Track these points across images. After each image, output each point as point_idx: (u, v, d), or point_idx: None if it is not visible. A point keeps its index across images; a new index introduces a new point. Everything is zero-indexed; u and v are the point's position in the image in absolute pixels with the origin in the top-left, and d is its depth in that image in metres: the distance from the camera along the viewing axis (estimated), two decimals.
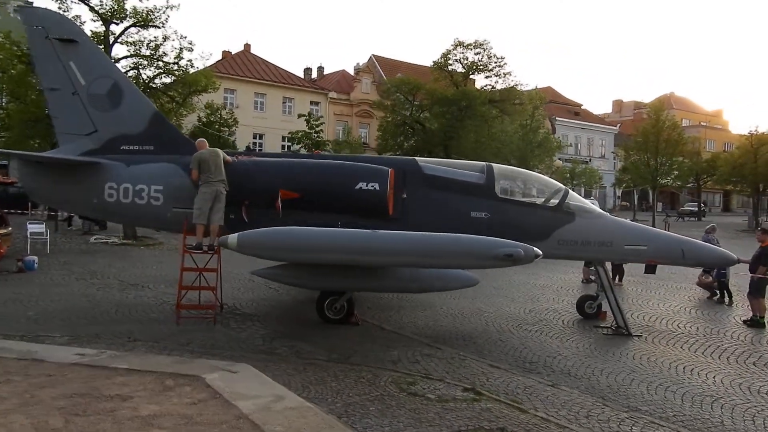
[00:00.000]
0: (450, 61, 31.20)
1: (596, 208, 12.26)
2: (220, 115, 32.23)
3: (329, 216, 10.37)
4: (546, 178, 13.18)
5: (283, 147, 49.84)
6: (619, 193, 69.24)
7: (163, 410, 4.25)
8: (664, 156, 43.01)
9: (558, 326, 11.37)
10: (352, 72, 60.24)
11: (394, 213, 10.62)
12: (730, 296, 14.62)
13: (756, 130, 46.45)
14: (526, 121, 33.05)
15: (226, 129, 31.58)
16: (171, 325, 9.90)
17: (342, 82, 56.29)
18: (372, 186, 10.44)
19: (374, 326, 10.69)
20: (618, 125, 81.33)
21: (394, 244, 7.80)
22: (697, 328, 11.72)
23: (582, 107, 75.91)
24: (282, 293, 13.75)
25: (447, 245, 7.74)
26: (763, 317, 11.84)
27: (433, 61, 31.63)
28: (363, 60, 63.42)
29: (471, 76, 31.30)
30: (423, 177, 11.25)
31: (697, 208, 59.51)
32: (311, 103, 51.73)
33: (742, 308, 13.77)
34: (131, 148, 11.34)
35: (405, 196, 10.92)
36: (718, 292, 14.85)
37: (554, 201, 11.40)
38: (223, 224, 10.20)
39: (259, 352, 8.51)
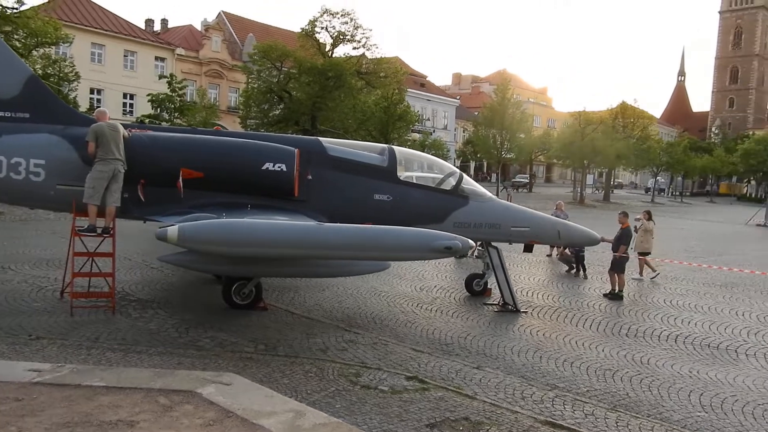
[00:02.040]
0: (317, 29, 30.73)
1: (486, 191, 12.99)
2: (59, 67, 29.00)
3: (234, 196, 10.05)
4: (442, 161, 13.67)
5: (124, 105, 46.20)
6: (458, 164, 73.32)
7: None
8: (508, 132, 46.17)
9: (453, 304, 12.00)
10: (199, 28, 56.97)
11: (300, 194, 10.49)
12: (585, 270, 16.31)
13: (584, 110, 51.43)
14: (389, 94, 33.72)
15: (66, 83, 28.51)
16: (64, 317, 9.06)
17: (189, 39, 53.09)
18: (279, 167, 10.25)
19: (282, 310, 10.57)
20: (458, 97, 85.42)
21: (343, 237, 7.76)
22: (569, 302, 12.98)
23: (427, 79, 78.57)
24: (168, 274, 13.06)
25: (391, 238, 7.85)
26: (621, 291, 13.41)
27: (301, 28, 30.90)
28: (211, 16, 60.19)
29: (338, 47, 31.14)
30: (328, 158, 11.19)
31: (528, 180, 64.81)
32: (156, 58, 48.29)
33: (597, 281, 15.47)
34: (3, 115, 10.00)
35: (310, 177, 10.80)
36: (575, 266, 16.48)
37: (450, 184, 11.91)
38: (119, 205, 9.47)
39: (182, 346, 8.11)
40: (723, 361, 9.18)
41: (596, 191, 67.72)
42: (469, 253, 16.49)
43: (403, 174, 11.61)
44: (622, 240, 13.76)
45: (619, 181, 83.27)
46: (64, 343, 7.67)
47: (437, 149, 46.92)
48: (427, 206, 11.32)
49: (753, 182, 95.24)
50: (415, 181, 11.73)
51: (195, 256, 9.04)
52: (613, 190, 61.56)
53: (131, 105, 46.80)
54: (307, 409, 4.82)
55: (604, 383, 7.90)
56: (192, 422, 4.11)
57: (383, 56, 32.99)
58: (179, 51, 50.12)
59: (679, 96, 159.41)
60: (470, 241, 8.35)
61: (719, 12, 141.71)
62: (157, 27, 56.43)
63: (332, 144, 11.84)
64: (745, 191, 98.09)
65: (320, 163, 11.01)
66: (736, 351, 9.73)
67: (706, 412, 7.10)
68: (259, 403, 4.63)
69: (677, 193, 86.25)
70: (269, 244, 7.61)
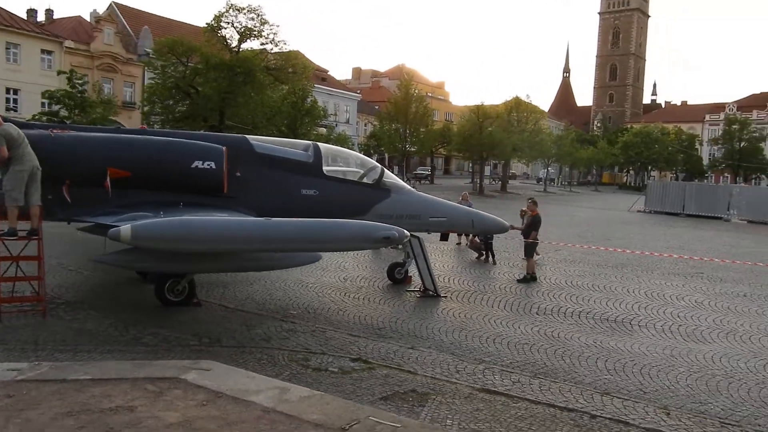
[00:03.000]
0: (223, 24, 30.29)
1: (406, 184, 13.73)
2: None
3: (162, 195, 10.18)
4: (364, 156, 14.27)
5: (7, 100, 43.38)
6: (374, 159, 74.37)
7: (187, 415, 4.19)
8: (412, 126, 47.51)
9: (378, 292, 12.64)
10: (89, 19, 54.19)
11: (229, 191, 10.75)
12: (494, 256, 17.48)
13: (482, 105, 53.72)
14: (297, 89, 33.86)
15: None
16: None
17: (78, 30, 50.44)
18: (208, 164, 10.48)
19: (215, 305, 10.79)
20: (358, 92, 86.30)
21: (294, 231, 8.15)
22: (483, 285, 13.98)
23: (328, 73, 78.84)
24: (87, 275, 12.85)
25: (335, 231, 8.33)
26: (534, 274, 14.59)
27: (206, 23, 30.33)
28: (101, 7, 57.39)
29: (245, 42, 30.87)
30: (255, 155, 11.49)
31: (429, 172, 66.80)
32: (42, 51, 45.58)
33: (506, 266, 16.66)
34: None
35: (239, 174, 11.06)
36: (484, 253, 17.61)
37: (373, 178, 12.54)
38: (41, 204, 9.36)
39: (126, 344, 8.22)
40: (621, 332, 10.37)
41: (493, 182, 70.94)
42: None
43: (328, 169, 12.09)
44: (532, 227, 14.95)
45: (513, 171, 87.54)
46: (7, 347, 7.60)
47: (342, 143, 47.49)
48: (351, 200, 11.87)
49: (632, 172, 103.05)
50: (339, 176, 12.25)
51: (134, 256, 9.11)
52: (508, 181, 64.87)
53: (15, 100, 43.97)
54: (291, 386, 5.25)
55: (524, 355, 8.79)
56: (187, 403, 4.43)
57: (290, 51, 33.07)
58: (68, 43, 47.52)
59: (565, 91, 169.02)
60: (405, 231, 9.00)
61: (599, 13, 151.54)
62: (41, 18, 53.13)
63: (259, 141, 12.13)
64: (625, 180, 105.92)
65: (248, 160, 11.29)
66: (630, 323, 10.98)
67: (611, 375, 8.13)
68: (244, 383, 5.00)
69: (566, 183, 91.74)
70: (223, 240, 7.89)
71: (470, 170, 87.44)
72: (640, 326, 10.80)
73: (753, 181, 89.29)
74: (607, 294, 13.47)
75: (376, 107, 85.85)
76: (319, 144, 12.74)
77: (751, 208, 38.71)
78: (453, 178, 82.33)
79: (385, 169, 13.28)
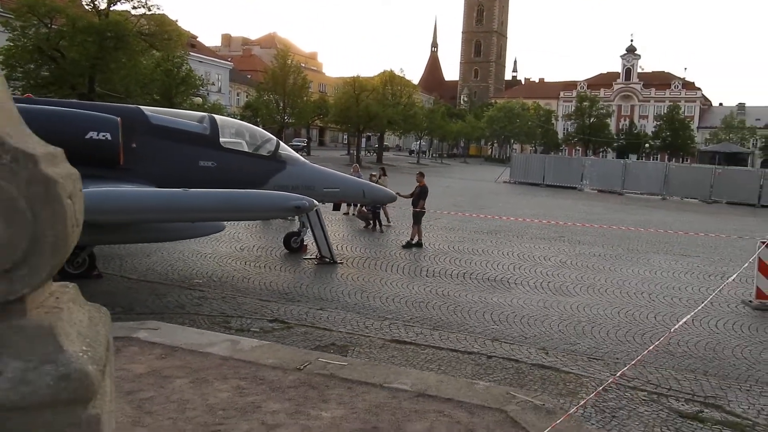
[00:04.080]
0: None
1: (300, 156, 14.22)
2: None
3: None
4: (260, 129, 14.51)
5: None
6: None
7: (153, 366, 4.49)
8: (290, 98, 47.31)
9: (276, 261, 13.13)
10: None
11: (125, 163, 10.72)
12: (381, 225, 18.46)
13: (358, 77, 54.51)
14: (172, 56, 32.61)
15: None
16: None
17: None
18: (103, 135, 10.38)
19: (117, 277, 10.79)
20: (229, 60, 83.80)
21: (211, 201, 8.41)
22: (374, 252, 14.87)
23: (197, 39, 75.77)
24: None
25: (252, 201, 8.71)
26: (421, 240, 15.67)
27: None
28: None
29: (115, 5, 29.16)
30: (151, 126, 11.46)
31: (305, 144, 66.88)
32: None
33: (392, 234, 17.69)
34: None
35: (134, 145, 11.03)
36: (372, 222, 18.53)
37: (268, 150, 12.91)
38: None
39: None
40: (500, 289, 11.64)
41: (368, 154, 72.39)
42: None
43: (224, 141, 12.29)
44: (420, 196, 16.01)
45: (386, 144, 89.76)
46: None
47: (217, 113, 46.37)
48: (249, 171, 12.18)
49: (496, 145, 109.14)
50: (236, 149, 12.48)
51: None
52: (383, 153, 66.64)
53: None
54: (240, 338, 5.71)
55: (421, 312, 9.74)
56: (147, 357, 4.76)
57: (160, 14, 31.68)
58: None
59: (433, 65, 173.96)
60: (315, 201, 9.57)
61: None
62: None
63: (154, 112, 12.05)
64: (490, 153, 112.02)
65: (144, 131, 11.23)
66: (508, 281, 12.31)
67: (497, 325, 9.28)
68: (196, 338, 5.39)
69: (437, 155, 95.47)
70: (145, 211, 8.03)
71: (344, 142, 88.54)
72: (516, 284, 12.13)
73: (601, 154, 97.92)
74: (486, 257, 14.82)
75: (249, 76, 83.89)
76: (214, 116, 12.85)
77: (600, 179, 42.88)
78: (328, 150, 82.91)
79: (281, 142, 13.67)
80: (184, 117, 12.90)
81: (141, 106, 12.39)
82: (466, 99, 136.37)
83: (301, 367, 4.79)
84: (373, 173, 19.33)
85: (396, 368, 5.36)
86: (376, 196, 14.79)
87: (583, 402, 5.26)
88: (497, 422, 3.92)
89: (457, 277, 12.46)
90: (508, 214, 24.53)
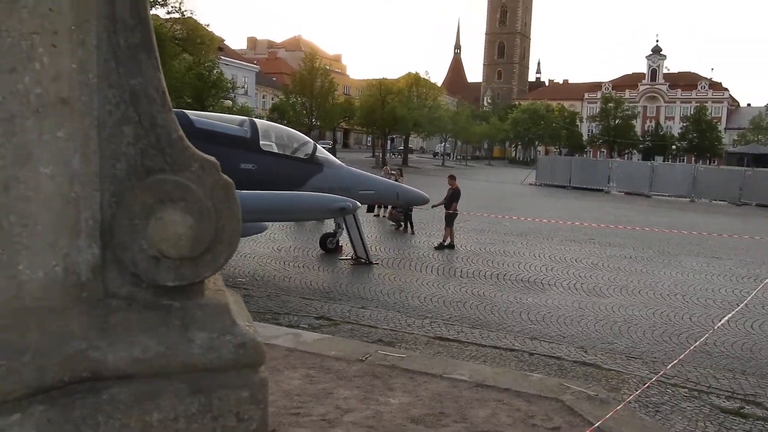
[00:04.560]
0: None
1: (336, 159, 14.58)
2: None
3: None
4: (297, 132, 14.91)
5: None
6: None
7: None
8: (317, 100, 47.86)
9: (314, 261, 13.48)
10: None
11: None
12: (412, 227, 18.75)
13: (384, 79, 54.86)
14: (204, 61, 33.31)
15: None
16: None
17: None
18: None
19: None
20: (255, 62, 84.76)
21: (264, 202, 8.79)
22: (408, 253, 15.17)
23: (224, 42, 76.81)
24: None
25: (298, 202, 9.07)
26: (452, 242, 15.94)
27: None
28: None
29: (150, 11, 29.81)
30: (194, 130, 11.87)
31: (330, 146, 67.40)
32: None
33: (423, 236, 17.96)
34: None
35: None
36: (404, 223, 18.82)
37: (306, 153, 13.28)
38: None
39: None
40: (534, 290, 11.85)
41: (392, 156, 72.73)
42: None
43: (264, 144, 12.69)
44: (453, 198, 16.30)
45: (410, 146, 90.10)
46: None
47: (247, 114, 47.09)
48: (288, 174, 12.55)
49: (520, 147, 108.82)
50: (275, 151, 12.88)
51: None
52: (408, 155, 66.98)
53: None
54: (301, 332, 6.05)
55: (459, 311, 10.01)
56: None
57: (190, 18, 32.36)
58: None
59: (456, 67, 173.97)
60: (357, 202, 9.90)
61: None
62: None
63: (198, 116, 12.50)
64: (514, 155, 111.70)
65: (188, 134, 11.59)
66: (541, 283, 12.51)
67: (535, 324, 9.51)
68: (261, 331, 5.73)
69: (461, 157, 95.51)
70: None
71: (368, 144, 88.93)
72: (550, 285, 12.33)
73: (626, 155, 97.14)
74: (518, 258, 15.02)
75: (274, 78, 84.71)
76: (255, 120, 13.26)
77: (627, 181, 42.70)
78: (353, 152, 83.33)
79: (318, 145, 14.05)
80: (226, 121, 13.33)
81: (185, 110, 12.84)
82: (489, 101, 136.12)
83: (363, 358, 5.11)
84: (392, 171, 19.79)
85: (452, 360, 5.66)
86: (410, 198, 15.09)
87: (632, 396, 5.49)
88: (554, 410, 4.19)
89: (491, 278, 12.69)
90: (536, 216, 24.67)
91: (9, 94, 1.60)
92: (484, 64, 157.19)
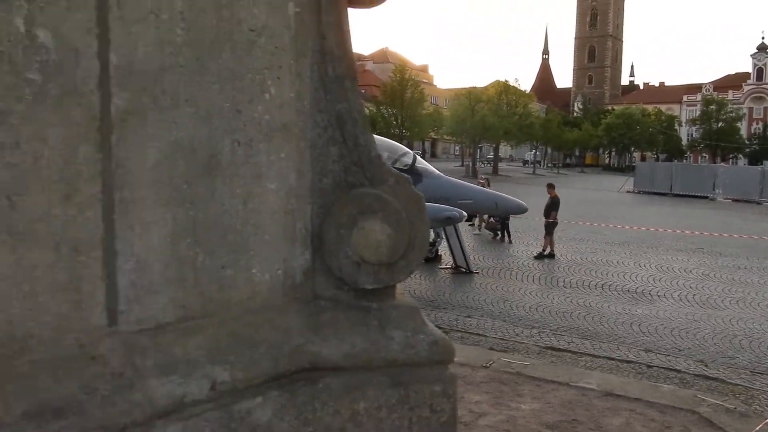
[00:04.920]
0: None
1: (435, 169, 14.76)
2: None
3: None
4: (397, 143, 15.23)
5: None
6: None
7: None
8: (407, 111, 48.47)
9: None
10: None
11: None
12: (510, 236, 18.61)
13: (473, 88, 54.82)
14: None
15: None
16: None
17: None
18: None
19: None
20: None
21: None
22: (508, 262, 15.10)
23: None
24: None
25: None
26: (553, 251, 15.73)
27: None
28: None
29: None
30: None
31: (421, 155, 67.86)
32: None
33: (521, 245, 17.80)
34: None
35: None
36: (500, 232, 18.73)
37: (406, 163, 13.52)
38: None
39: None
40: (643, 301, 11.51)
41: (482, 165, 72.26)
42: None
43: None
44: (552, 207, 16.12)
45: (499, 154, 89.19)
46: None
47: None
48: None
49: (614, 153, 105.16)
50: None
51: None
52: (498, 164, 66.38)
53: None
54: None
55: (566, 321, 9.89)
56: None
57: None
58: None
59: (545, 73, 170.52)
60: (464, 212, 10.02)
61: None
62: None
63: None
64: (607, 161, 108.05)
65: None
66: (650, 293, 12.13)
67: (647, 336, 9.25)
68: None
69: (551, 165, 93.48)
70: None
71: (456, 154, 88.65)
72: (659, 296, 11.94)
73: (731, 160, 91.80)
74: (622, 268, 14.62)
75: (363, 90, 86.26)
76: None
77: (735, 188, 40.39)
78: (441, 162, 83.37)
79: (417, 155, 14.28)
80: None
81: None
82: (580, 106, 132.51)
83: (487, 364, 5.22)
84: (481, 181, 19.78)
85: (576, 369, 5.67)
86: (509, 207, 15.01)
87: None
88: (691, 422, 4.14)
89: (596, 288, 12.43)
90: (638, 224, 23.83)
91: (249, 122, 1.86)
92: (574, 69, 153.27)
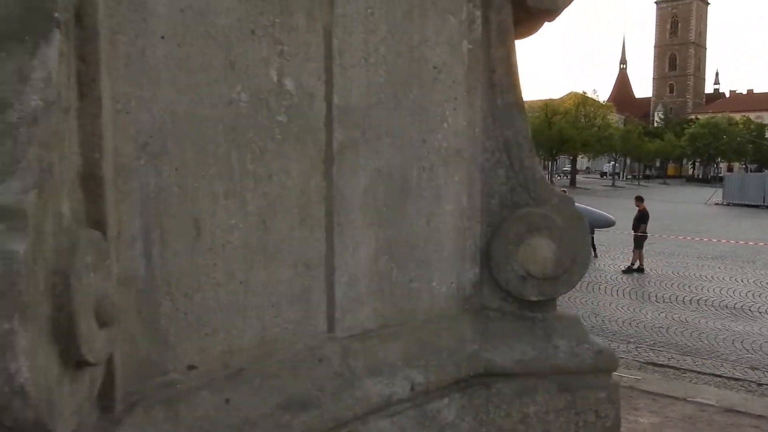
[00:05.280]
0: None
1: None
2: None
3: None
4: None
5: None
6: None
7: None
8: None
9: None
10: None
11: None
12: (595, 249, 18.25)
13: (550, 100, 54.11)
14: None
15: None
16: None
17: None
18: None
19: None
20: None
21: None
22: (596, 276, 14.79)
23: None
24: None
25: None
26: (642, 265, 15.35)
27: None
28: None
29: None
30: None
31: None
32: None
33: (607, 258, 17.43)
34: None
35: None
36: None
37: None
38: None
39: None
40: (743, 317, 11.08)
41: (558, 177, 70.91)
42: None
43: None
44: (641, 220, 15.78)
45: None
46: None
47: None
48: None
49: (698, 164, 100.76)
50: None
51: None
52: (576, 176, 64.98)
53: None
54: None
55: (663, 337, 9.67)
56: None
57: None
58: None
59: (622, 83, 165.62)
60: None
61: (655, 2, 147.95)
62: None
63: None
64: (691, 172, 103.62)
65: None
66: (750, 309, 11.66)
67: (751, 354, 8.92)
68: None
69: (631, 177, 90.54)
70: None
71: None
72: (760, 312, 11.46)
73: None
74: (717, 283, 14.09)
75: None
76: None
77: None
78: None
79: None
80: None
81: None
82: (661, 116, 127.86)
83: None
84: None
85: (691, 385, 5.60)
86: (595, 221, 14.77)
87: None
88: None
89: (690, 303, 12.06)
90: (730, 237, 22.81)
91: (431, 149, 2.08)
92: (654, 78, 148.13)
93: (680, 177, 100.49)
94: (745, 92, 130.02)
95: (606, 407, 2.10)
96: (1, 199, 0.90)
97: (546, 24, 2.44)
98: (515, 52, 2.17)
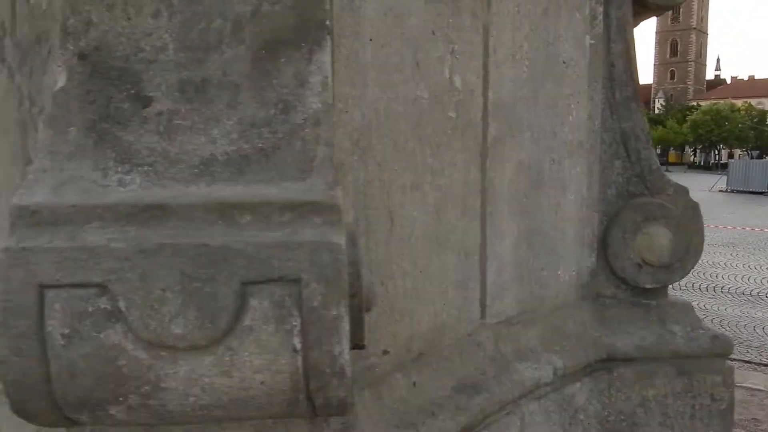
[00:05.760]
0: None
1: None
2: None
3: None
4: None
5: None
6: None
7: None
8: None
9: None
10: None
11: None
12: None
13: None
14: None
15: None
16: None
17: None
18: None
19: None
20: None
21: None
22: None
23: None
24: None
25: None
26: None
27: None
28: None
29: None
30: None
31: None
32: None
33: None
34: None
35: None
36: None
37: None
38: None
39: None
40: (761, 304, 11.16)
41: None
42: None
43: None
44: None
45: None
46: None
47: None
48: None
49: (699, 151, 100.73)
50: None
51: None
52: None
53: None
54: None
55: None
56: None
57: None
58: None
59: None
60: None
61: None
62: None
63: None
64: (692, 159, 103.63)
65: None
66: (767, 296, 11.78)
67: None
68: None
69: None
70: None
71: None
72: None
73: None
74: (731, 270, 14.19)
75: None
76: None
77: None
78: None
79: None
80: None
81: None
82: (663, 103, 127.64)
83: None
84: None
85: (738, 371, 5.68)
86: None
87: None
88: None
89: (707, 290, 12.17)
90: (738, 224, 22.95)
91: (560, 141, 2.18)
92: (654, 65, 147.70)
93: (682, 164, 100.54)
94: (746, 78, 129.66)
95: (721, 390, 2.20)
96: (312, 196, 0.98)
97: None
98: (634, 46, 2.25)
